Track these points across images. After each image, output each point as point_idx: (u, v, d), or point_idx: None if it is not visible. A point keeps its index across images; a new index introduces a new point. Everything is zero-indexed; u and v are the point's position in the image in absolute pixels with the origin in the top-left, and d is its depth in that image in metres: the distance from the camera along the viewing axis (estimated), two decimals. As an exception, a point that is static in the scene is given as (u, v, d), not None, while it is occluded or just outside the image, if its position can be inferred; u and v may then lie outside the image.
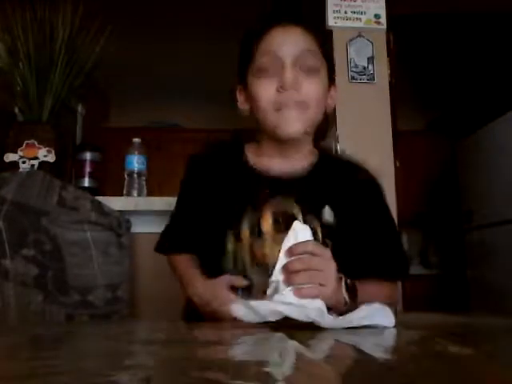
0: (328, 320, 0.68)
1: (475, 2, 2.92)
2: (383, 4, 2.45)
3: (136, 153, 1.93)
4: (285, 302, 0.72)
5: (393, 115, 2.41)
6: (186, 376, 0.40)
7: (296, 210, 0.95)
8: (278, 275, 0.76)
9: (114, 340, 0.67)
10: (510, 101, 3.33)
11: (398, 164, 2.50)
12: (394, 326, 0.69)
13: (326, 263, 0.78)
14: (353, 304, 0.82)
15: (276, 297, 0.74)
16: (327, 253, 0.80)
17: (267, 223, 0.95)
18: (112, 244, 1.29)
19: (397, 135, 2.49)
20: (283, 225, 0.92)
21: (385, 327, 0.69)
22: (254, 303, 0.71)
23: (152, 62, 4.03)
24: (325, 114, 1.05)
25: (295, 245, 0.77)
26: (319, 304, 0.72)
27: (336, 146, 2.22)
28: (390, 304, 0.96)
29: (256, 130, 1.05)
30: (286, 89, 0.92)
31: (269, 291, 0.77)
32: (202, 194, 1.03)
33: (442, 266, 4.32)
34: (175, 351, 0.55)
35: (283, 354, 0.52)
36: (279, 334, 0.63)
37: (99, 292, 1.23)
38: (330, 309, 0.75)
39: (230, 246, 0.94)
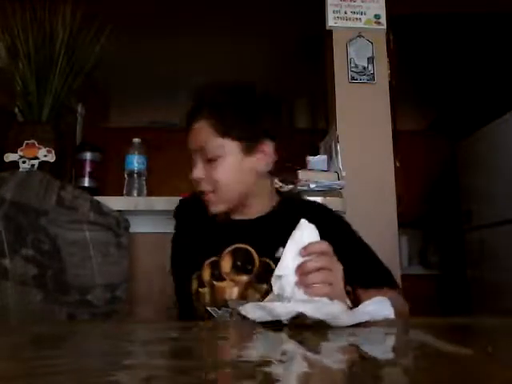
0: (344, 318, 0.70)
1: (475, 2, 2.92)
2: (383, 4, 2.44)
3: (136, 153, 1.93)
4: (301, 300, 0.74)
5: (393, 115, 2.41)
6: (186, 376, 0.40)
7: (253, 252, 1.03)
8: (282, 270, 0.78)
9: (114, 340, 0.67)
10: (509, 101, 3.33)
11: (397, 164, 2.51)
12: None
13: (335, 263, 0.82)
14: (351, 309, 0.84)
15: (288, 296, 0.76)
16: (334, 255, 0.83)
17: (227, 265, 1.02)
18: (111, 244, 1.29)
19: (397, 135, 2.49)
20: (242, 266, 1.01)
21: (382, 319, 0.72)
22: (268, 304, 0.73)
23: (152, 61, 4.02)
24: (256, 176, 1.12)
25: (311, 244, 0.79)
26: (334, 303, 0.74)
27: (336, 146, 2.21)
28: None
29: None
30: (196, 180, 1.09)
31: (275, 289, 0.78)
32: (184, 241, 1.17)
33: (442, 266, 4.31)
34: (174, 351, 0.55)
35: (285, 354, 0.52)
36: (281, 334, 0.63)
37: (98, 291, 1.23)
38: None
39: (194, 289, 1.04)
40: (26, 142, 1.86)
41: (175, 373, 0.42)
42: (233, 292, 1.00)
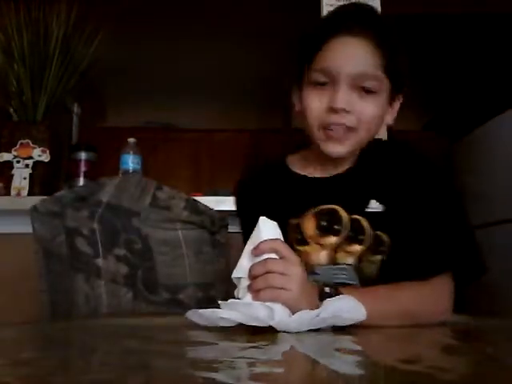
0: (283, 321, 0.66)
1: (470, 2, 2.93)
2: (378, 4, 2.45)
3: (131, 152, 1.93)
4: (237, 304, 0.69)
5: (388, 115, 2.41)
6: (186, 376, 0.40)
7: (340, 210, 0.91)
8: (238, 272, 0.74)
9: (115, 340, 0.67)
10: (505, 101, 3.34)
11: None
12: (363, 318, 0.66)
13: (289, 266, 0.72)
14: None
15: (230, 300, 0.70)
16: (294, 256, 0.74)
17: (310, 227, 0.92)
18: (205, 242, 1.29)
19: (392, 135, 2.49)
20: (328, 227, 0.89)
21: (353, 323, 0.66)
22: (205, 311, 0.69)
23: (148, 61, 4.01)
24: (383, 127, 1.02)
25: (260, 243, 0.73)
26: (275, 306, 0.68)
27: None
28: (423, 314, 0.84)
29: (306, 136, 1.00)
30: (336, 111, 0.88)
31: (236, 292, 0.74)
32: (255, 215, 1.01)
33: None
34: (176, 350, 0.54)
35: (283, 354, 0.52)
36: (279, 334, 0.63)
37: (190, 291, 1.24)
38: None
39: None
40: (20, 141, 1.86)
41: (174, 373, 0.41)
42: (320, 256, 0.90)
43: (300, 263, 0.74)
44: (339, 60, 0.88)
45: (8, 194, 1.82)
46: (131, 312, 1.20)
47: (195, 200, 1.36)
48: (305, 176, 1.02)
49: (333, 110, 0.87)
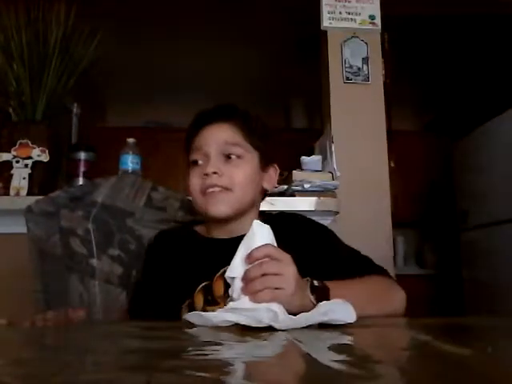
0: (284, 322, 0.69)
1: (470, 3, 2.93)
2: (378, 5, 2.45)
3: (130, 152, 1.93)
4: (237, 308, 0.72)
5: (387, 116, 2.41)
6: (187, 376, 0.39)
7: None
8: (232, 272, 0.77)
9: (115, 340, 0.67)
10: (505, 101, 3.34)
11: (392, 164, 2.51)
12: (354, 321, 0.70)
13: (284, 267, 0.77)
14: None
15: (231, 304, 0.74)
16: (286, 256, 0.79)
17: (219, 289, 0.98)
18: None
19: (392, 136, 2.50)
20: None
21: (345, 323, 0.70)
22: (207, 315, 0.73)
23: (148, 61, 4.01)
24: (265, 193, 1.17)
25: (254, 249, 0.77)
26: (275, 307, 0.71)
27: (331, 147, 2.22)
28: (384, 301, 0.98)
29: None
30: (209, 175, 1.04)
31: (230, 291, 0.78)
32: (162, 268, 1.12)
33: (438, 266, 4.33)
34: (176, 350, 0.54)
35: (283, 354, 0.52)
36: (279, 334, 0.63)
37: None
38: (295, 315, 0.73)
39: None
40: (19, 141, 1.86)
41: (174, 372, 0.41)
42: None
43: (292, 262, 0.79)
44: (207, 139, 1.08)
45: (7, 193, 1.82)
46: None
47: (190, 200, 1.36)
48: (211, 238, 1.13)
49: (206, 175, 1.04)
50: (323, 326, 0.69)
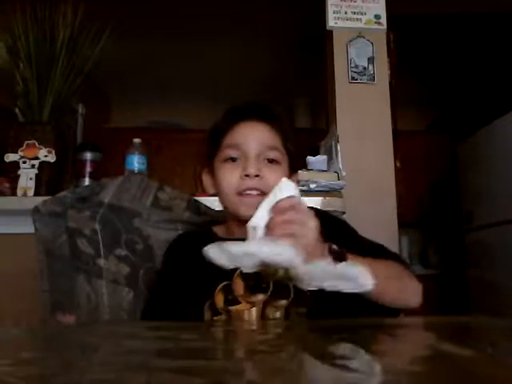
0: (301, 266, 0.71)
1: (475, 2, 2.92)
2: (383, 4, 2.44)
3: (136, 153, 1.93)
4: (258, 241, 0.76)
5: (393, 115, 2.41)
6: (187, 376, 0.40)
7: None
8: (256, 221, 0.80)
9: (115, 340, 0.68)
10: (510, 101, 3.33)
11: (398, 164, 2.51)
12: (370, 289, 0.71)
13: (306, 218, 0.80)
14: None
15: (252, 241, 0.78)
16: (309, 210, 0.82)
17: (240, 287, 0.97)
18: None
19: (397, 135, 2.49)
20: (255, 285, 0.96)
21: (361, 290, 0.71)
22: (227, 244, 0.75)
23: (153, 61, 4.02)
24: None
25: (280, 200, 0.80)
26: (294, 249, 0.73)
27: (336, 146, 2.21)
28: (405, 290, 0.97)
29: (224, 211, 1.13)
30: (250, 176, 1.01)
31: (248, 237, 0.80)
32: (181, 271, 1.09)
33: (442, 266, 4.31)
34: (176, 350, 0.55)
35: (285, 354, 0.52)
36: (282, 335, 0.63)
37: None
38: None
39: (207, 320, 0.98)
40: (26, 142, 1.87)
41: (175, 372, 0.42)
42: (251, 313, 0.96)
43: (314, 217, 0.82)
44: (246, 137, 1.05)
45: (14, 194, 1.83)
46: (132, 312, 1.21)
47: (196, 200, 1.37)
48: (232, 238, 1.09)
49: (246, 176, 1.01)
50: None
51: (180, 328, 0.78)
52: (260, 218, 0.80)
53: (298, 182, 1.17)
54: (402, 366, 0.45)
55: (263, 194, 1.00)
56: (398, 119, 2.57)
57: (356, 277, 0.72)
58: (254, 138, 1.05)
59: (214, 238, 1.12)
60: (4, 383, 0.35)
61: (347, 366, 0.47)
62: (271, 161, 1.04)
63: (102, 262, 1.22)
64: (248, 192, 1.01)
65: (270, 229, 0.79)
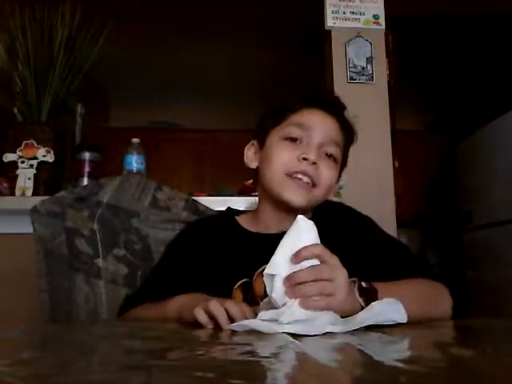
0: (340, 326, 0.66)
1: (474, 2, 2.92)
2: (382, 4, 2.44)
3: (135, 153, 1.93)
4: (291, 319, 0.67)
5: (391, 115, 2.41)
6: (187, 376, 0.40)
7: None
8: (272, 269, 0.71)
9: (115, 340, 0.67)
10: (509, 101, 3.33)
11: (397, 164, 2.50)
12: (406, 322, 0.68)
13: (335, 271, 0.72)
14: None
15: (281, 310, 0.69)
16: (336, 260, 0.74)
17: (260, 287, 0.91)
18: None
19: (396, 135, 2.49)
20: None
21: (397, 323, 0.68)
22: (255, 324, 0.67)
23: (152, 62, 4.02)
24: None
25: (303, 249, 0.71)
26: (330, 316, 0.69)
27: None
28: (433, 305, 0.91)
29: (258, 193, 1.09)
30: (308, 161, 0.97)
31: (268, 288, 0.72)
32: (192, 257, 1.03)
33: (441, 266, 4.32)
34: (176, 350, 0.55)
35: (284, 354, 0.52)
36: (282, 335, 0.63)
37: None
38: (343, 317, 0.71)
39: None
40: (24, 142, 1.86)
41: (175, 373, 0.42)
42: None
43: (342, 266, 0.74)
44: (317, 123, 1.01)
45: (13, 194, 1.82)
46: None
47: (194, 200, 1.37)
48: (257, 233, 1.04)
49: (304, 160, 0.97)
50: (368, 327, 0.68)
51: (180, 328, 0.78)
52: (277, 265, 0.72)
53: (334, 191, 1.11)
54: (402, 365, 0.45)
55: (313, 184, 0.98)
56: (396, 119, 2.56)
57: (391, 313, 0.69)
58: (323, 126, 1.02)
59: (238, 228, 1.07)
60: (3, 383, 0.35)
61: (346, 367, 0.47)
62: (329, 155, 1.01)
63: (100, 261, 1.22)
64: (299, 176, 0.97)
65: (294, 284, 0.69)
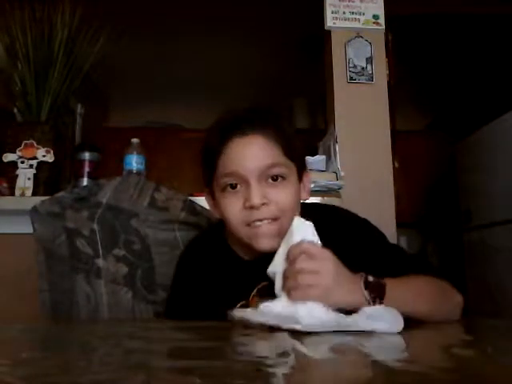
0: (310, 325, 0.67)
1: (474, 2, 2.92)
2: (382, 4, 2.45)
3: (135, 153, 1.93)
4: (273, 311, 0.72)
5: (391, 116, 2.41)
6: (186, 376, 0.40)
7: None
8: (272, 267, 0.80)
9: (115, 340, 0.67)
10: (508, 101, 3.33)
11: (396, 164, 2.51)
12: (399, 332, 0.66)
13: (318, 263, 0.74)
14: (381, 302, 0.76)
15: (261, 306, 0.74)
16: (322, 252, 0.76)
17: (255, 304, 0.91)
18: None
19: (396, 136, 2.49)
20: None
21: (388, 332, 0.67)
22: (247, 314, 0.75)
23: (151, 61, 4.02)
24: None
25: (291, 246, 0.76)
26: (309, 306, 0.70)
27: (335, 146, 2.22)
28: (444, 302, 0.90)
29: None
30: (255, 207, 0.90)
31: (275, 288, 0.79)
32: (198, 287, 1.03)
33: (441, 266, 4.32)
34: (176, 351, 0.55)
35: (284, 354, 0.52)
36: (283, 336, 0.63)
37: None
38: (349, 312, 0.71)
39: None
40: (24, 142, 1.86)
41: (176, 373, 0.42)
42: None
43: (330, 257, 0.76)
44: (242, 159, 0.92)
45: (12, 194, 1.82)
46: (131, 311, 1.21)
47: (192, 201, 1.37)
48: (250, 261, 1.01)
49: (252, 207, 0.90)
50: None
51: (180, 328, 0.78)
52: (276, 264, 0.79)
53: (308, 186, 1.05)
54: (402, 365, 0.45)
55: (276, 219, 0.92)
56: (396, 119, 2.57)
57: (383, 322, 0.68)
58: (250, 158, 0.92)
59: (234, 259, 1.04)
60: (3, 383, 0.35)
61: (347, 365, 0.47)
62: (276, 178, 0.93)
63: (100, 262, 1.22)
64: (257, 224, 0.92)
65: (284, 280, 0.76)
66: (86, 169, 2.01)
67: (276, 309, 0.72)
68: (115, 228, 1.25)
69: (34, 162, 1.86)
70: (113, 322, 1.13)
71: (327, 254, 0.76)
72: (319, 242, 0.78)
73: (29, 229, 1.26)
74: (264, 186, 0.92)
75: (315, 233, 0.79)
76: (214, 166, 0.96)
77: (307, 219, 0.82)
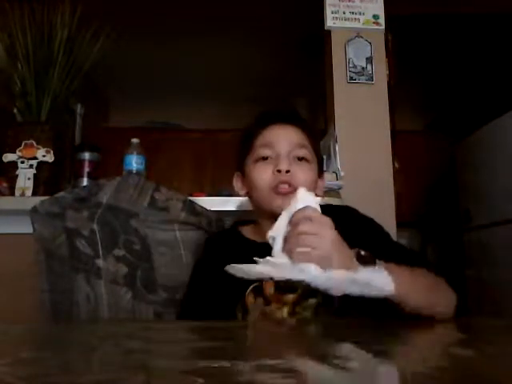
0: (316, 278, 0.74)
1: (474, 2, 2.92)
2: (382, 4, 2.45)
3: (135, 153, 1.92)
4: (272, 262, 0.78)
5: (391, 116, 2.41)
6: (185, 377, 0.40)
7: None
8: (274, 232, 0.84)
9: (114, 340, 0.67)
10: (508, 102, 3.33)
11: (396, 164, 2.51)
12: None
13: (320, 228, 0.81)
14: None
15: (268, 258, 0.80)
16: (325, 219, 0.83)
17: (270, 288, 1.02)
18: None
19: (396, 135, 2.49)
20: (285, 285, 0.99)
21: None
22: (243, 266, 0.81)
23: (151, 61, 4.02)
24: None
25: (295, 212, 0.83)
26: (309, 267, 0.76)
27: (335, 146, 2.21)
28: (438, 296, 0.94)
29: (254, 212, 1.19)
30: (282, 172, 1.06)
31: (272, 252, 0.83)
32: (213, 272, 1.10)
33: (441, 266, 4.32)
34: (176, 351, 0.55)
35: (284, 354, 0.52)
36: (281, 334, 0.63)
37: None
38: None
39: (239, 316, 1.03)
40: (24, 142, 1.86)
41: (176, 372, 0.42)
42: (282, 313, 1.00)
43: (331, 226, 0.83)
44: (278, 136, 1.12)
45: (12, 194, 1.82)
46: (131, 311, 1.21)
47: (192, 201, 1.37)
48: (262, 243, 1.09)
49: (278, 172, 1.07)
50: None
51: (180, 328, 0.78)
52: (278, 228, 0.83)
53: (320, 189, 1.20)
54: (402, 365, 0.45)
55: (295, 188, 1.01)
56: (396, 119, 2.57)
57: (376, 281, 0.75)
58: (284, 137, 1.11)
59: (243, 240, 1.17)
60: (3, 383, 0.35)
61: (348, 366, 0.47)
62: (301, 159, 1.10)
63: (100, 262, 1.23)
64: (281, 186, 1.06)
65: (286, 241, 0.81)
66: (86, 169, 2.01)
67: (281, 260, 0.78)
68: (115, 228, 1.25)
69: (34, 162, 1.86)
70: (113, 321, 1.13)
71: (328, 221, 0.83)
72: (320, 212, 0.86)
73: (29, 229, 1.26)
74: (291, 161, 1.09)
75: (318, 204, 0.86)
76: (252, 144, 1.14)
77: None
